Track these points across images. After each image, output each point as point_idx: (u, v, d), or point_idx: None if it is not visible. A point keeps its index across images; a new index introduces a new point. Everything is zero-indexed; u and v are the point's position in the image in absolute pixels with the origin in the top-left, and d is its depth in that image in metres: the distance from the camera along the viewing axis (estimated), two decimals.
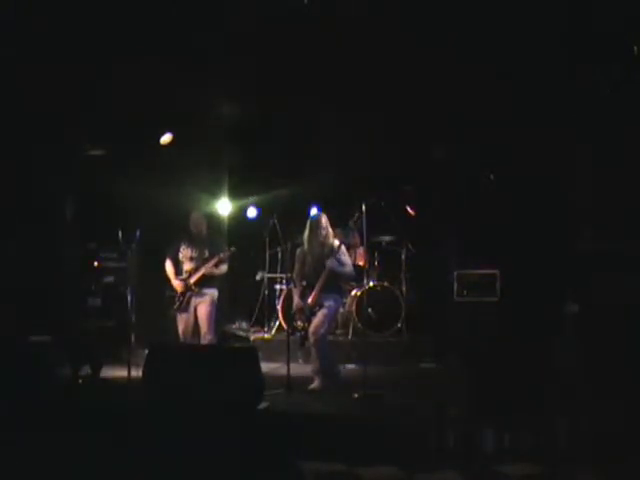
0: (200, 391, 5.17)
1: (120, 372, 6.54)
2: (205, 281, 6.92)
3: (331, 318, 6.44)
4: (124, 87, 7.49)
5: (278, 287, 8.80)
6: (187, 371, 5.35)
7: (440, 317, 7.93)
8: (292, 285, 6.87)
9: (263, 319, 8.95)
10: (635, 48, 6.47)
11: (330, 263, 6.23)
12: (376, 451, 4.53)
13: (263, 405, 5.30)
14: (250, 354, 5.56)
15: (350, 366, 7.22)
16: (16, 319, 7.11)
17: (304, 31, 7.13)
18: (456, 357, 6.47)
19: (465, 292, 7.70)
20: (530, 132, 7.24)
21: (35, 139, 7.71)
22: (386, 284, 8.32)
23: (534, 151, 7.27)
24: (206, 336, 6.89)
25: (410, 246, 8.62)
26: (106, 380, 6.61)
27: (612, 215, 6.67)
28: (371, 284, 8.25)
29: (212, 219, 8.19)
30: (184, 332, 6.93)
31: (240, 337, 8.61)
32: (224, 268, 7.00)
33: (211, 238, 7.15)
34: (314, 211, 7.97)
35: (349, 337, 8.24)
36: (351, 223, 8.68)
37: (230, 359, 5.60)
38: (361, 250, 8.52)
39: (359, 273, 7.96)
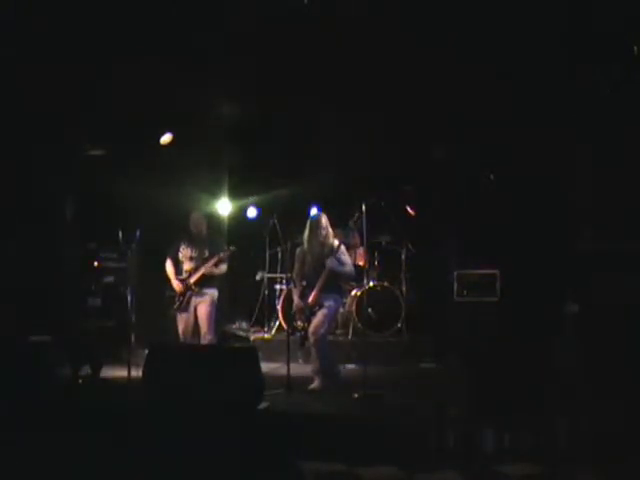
0: (200, 391, 5.17)
1: (120, 372, 6.54)
2: (205, 281, 6.92)
3: (331, 318, 6.44)
4: (124, 87, 7.49)
5: (278, 287, 8.80)
6: (187, 371, 5.35)
7: (440, 317, 7.93)
8: (292, 285, 6.86)
9: (263, 319, 8.95)
10: (635, 48, 6.47)
11: (330, 263, 6.23)
12: (376, 451, 4.53)
13: (263, 405, 5.30)
14: (250, 354, 5.56)
15: (350, 366, 7.22)
16: (16, 319, 7.11)
17: (304, 31, 7.13)
18: (456, 357, 6.47)
19: (465, 292, 7.70)
20: (530, 132, 7.24)
21: (35, 139, 7.71)
22: (386, 284, 8.32)
23: (534, 151, 7.27)
24: (206, 336, 6.88)
25: (410, 246, 8.62)
26: (106, 380, 6.61)
27: (612, 215, 6.67)
28: (371, 284, 8.25)
29: (212, 219, 8.19)
30: (184, 332, 6.93)
31: (240, 337, 8.61)
32: (224, 268, 7.00)
33: (211, 238, 7.15)
34: (314, 211, 7.97)
35: (349, 337, 8.24)
36: (351, 223, 8.69)
37: (230, 359, 5.60)
38: (361, 250, 8.52)
39: (359, 273, 7.96)
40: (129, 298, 6.83)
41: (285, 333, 7.05)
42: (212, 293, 6.98)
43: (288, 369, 6.16)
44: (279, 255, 8.78)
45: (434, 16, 6.93)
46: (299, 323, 6.31)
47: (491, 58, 7.14)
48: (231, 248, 7.04)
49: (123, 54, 7.27)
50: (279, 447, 4.63)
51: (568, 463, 4.33)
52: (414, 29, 7.01)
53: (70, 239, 8.14)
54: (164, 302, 7.05)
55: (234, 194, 9.15)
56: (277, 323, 8.60)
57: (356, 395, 5.77)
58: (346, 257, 6.41)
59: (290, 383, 6.09)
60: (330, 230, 6.42)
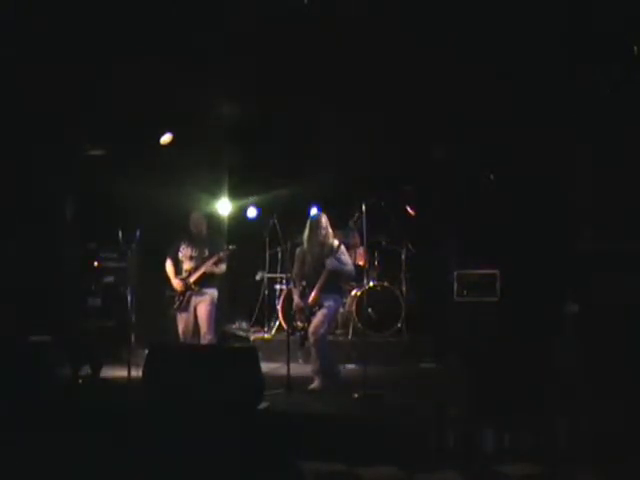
0: (200, 391, 5.16)
1: (120, 372, 6.54)
2: (205, 280, 6.92)
3: (331, 318, 6.44)
4: (124, 87, 7.49)
5: (278, 287, 8.80)
6: (187, 371, 5.35)
7: (440, 317, 7.93)
8: (292, 285, 6.86)
9: (263, 319, 8.95)
10: (635, 48, 6.47)
11: (330, 263, 6.23)
12: (376, 451, 4.53)
13: (263, 405, 5.30)
14: (250, 354, 5.56)
15: (350, 366, 7.22)
16: (16, 319, 7.11)
17: (304, 31, 7.13)
18: (456, 357, 6.47)
19: (465, 292, 7.71)
20: (530, 132, 7.24)
21: (35, 139, 7.71)
22: (386, 284, 8.32)
23: (534, 151, 7.27)
24: (206, 336, 6.88)
25: (410, 246, 8.62)
26: (106, 380, 6.61)
27: (612, 215, 6.67)
28: (371, 284, 8.25)
29: (212, 219, 8.18)
30: (184, 332, 6.93)
31: (240, 337, 8.61)
32: (224, 267, 7.00)
33: (211, 238, 7.15)
34: (314, 211, 7.97)
35: (349, 337, 8.24)
36: (351, 223, 8.69)
37: (230, 359, 5.59)
38: (361, 250, 8.52)
39: (359, 273, 7.96)
40: (129, 298, 6.83)
41: (285, 333, 7.05)
42: (212, 293, 6.98)
43: (288, 369, 6.15)
44: (279, 255, 8.77)
45: (434, 16, 6.93)
46: (299, 323, 6.30)
47: (491, 58, 7.14)
48: (231, 247, 7.04)
49: (123, 54, 7.27)
50: (279, 447, 4.63)
51: (568, 463, 4.33)
52: (414, 29, 7.02)
53: (70, 239, 8.14)
54: (164, 302, 7.05)
55: (234, 194, 9.14)
56: (277, 323, 8.60)
57: (356, 395, 5.76)
58: (346, 257, 6.41)
59: (290, 383, 6.09)
60: (330, 230, 6.42)
